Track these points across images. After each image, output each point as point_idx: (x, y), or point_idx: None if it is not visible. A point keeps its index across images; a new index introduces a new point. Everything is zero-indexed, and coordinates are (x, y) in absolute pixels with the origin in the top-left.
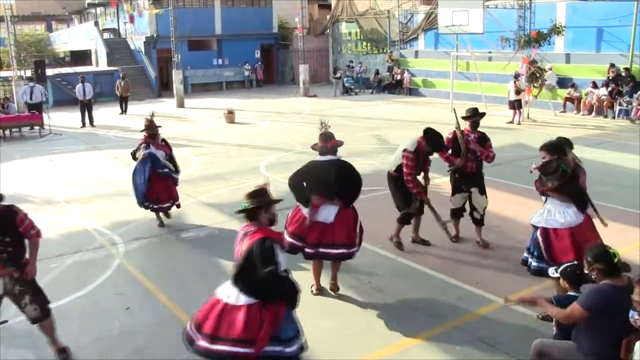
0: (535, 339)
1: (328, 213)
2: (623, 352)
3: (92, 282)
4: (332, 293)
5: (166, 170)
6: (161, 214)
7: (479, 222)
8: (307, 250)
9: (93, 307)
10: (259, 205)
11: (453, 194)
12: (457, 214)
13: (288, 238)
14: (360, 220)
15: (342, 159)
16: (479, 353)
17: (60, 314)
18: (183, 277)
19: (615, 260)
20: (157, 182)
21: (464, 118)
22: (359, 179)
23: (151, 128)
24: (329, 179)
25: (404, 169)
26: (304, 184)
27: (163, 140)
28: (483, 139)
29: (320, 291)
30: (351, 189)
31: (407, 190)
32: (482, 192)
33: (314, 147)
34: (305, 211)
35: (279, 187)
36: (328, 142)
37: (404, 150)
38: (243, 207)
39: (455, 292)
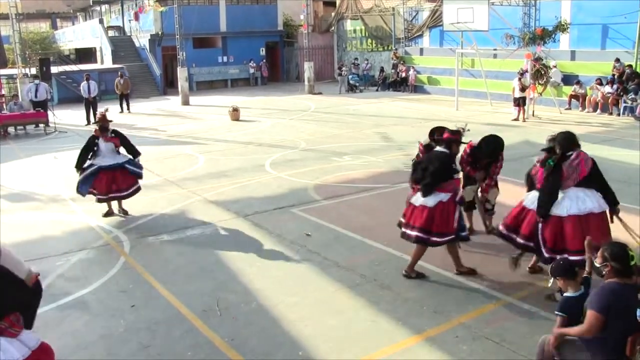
0: (541, 335)
1: (417, 198)
2: (629, 350)
3: (98, 280)
4: (331, 291)
5: (115, 162)
6: (117, 206)
7: (490, 212)
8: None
9: (99, 304)
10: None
11: (464, 186)
12: (469, 207)
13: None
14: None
15: (440, 150)
16: (485, 350)
17: (66, 312)
18: (188, 274)
19: (632, 262)
20: (107, 175)
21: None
22: (432, 172)
23: (102, 122)
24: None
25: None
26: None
27: (113, 131)
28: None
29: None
30: (423, 178)
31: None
32: (495, 184)
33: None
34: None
35: (284, 183)
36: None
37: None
38: (549, 147)
39: (460, 289)
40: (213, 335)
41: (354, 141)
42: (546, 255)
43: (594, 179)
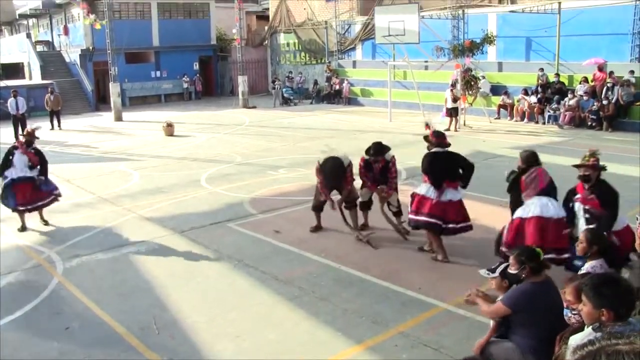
0: (477, 339)
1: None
2: (557, 347)
3: (29, 303)
4: (271, 304)
5: (24, 175)
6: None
7: (397, 214)
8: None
9: (30, 328)
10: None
11: (362, 187)
12: (366, 205)
13: (427, 219)
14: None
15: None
16: (424, 358)
17: None
18: (124, 293)
19: (541, 258)
20: (21, 186)
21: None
22: (471, 165)
23: (30, 136)
24: (455, 165)
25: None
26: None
27: (34, 149)
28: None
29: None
30: (470, 172)
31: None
32: (395, 189)
33: (427, 140)
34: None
35: (220, 198)
36: (444, 139)
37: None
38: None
39: (398, 298)
40: (151, 354)
41: (289, 154)
42: (502, 249)
43: (551, 192)
